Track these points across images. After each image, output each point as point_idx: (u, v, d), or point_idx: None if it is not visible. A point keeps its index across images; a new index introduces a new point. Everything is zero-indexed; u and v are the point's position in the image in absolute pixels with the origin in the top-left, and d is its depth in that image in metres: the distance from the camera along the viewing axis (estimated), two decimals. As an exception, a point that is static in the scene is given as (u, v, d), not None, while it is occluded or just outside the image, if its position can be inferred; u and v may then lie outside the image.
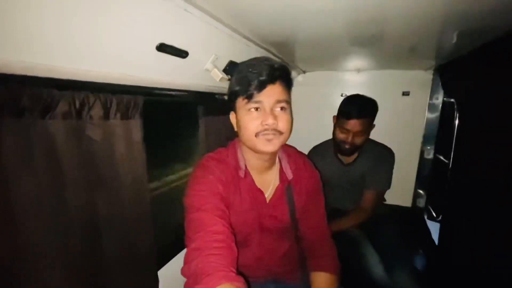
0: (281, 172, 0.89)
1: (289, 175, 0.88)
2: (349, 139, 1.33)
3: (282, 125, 0.73)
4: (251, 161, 0.84)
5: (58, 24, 0.53)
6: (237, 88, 0.74)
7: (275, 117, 0.71)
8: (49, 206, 0.64)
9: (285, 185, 0.88)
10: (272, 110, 0.72)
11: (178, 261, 1.16)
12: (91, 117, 0.71)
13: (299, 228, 0.94)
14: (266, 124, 0.71)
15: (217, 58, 0.99)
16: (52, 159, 0.64)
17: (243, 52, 1.08)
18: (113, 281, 0.80)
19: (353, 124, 1.29)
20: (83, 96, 0.68)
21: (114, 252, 0.81)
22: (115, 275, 0.81)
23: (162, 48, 0.75)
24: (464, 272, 1.20)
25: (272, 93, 0.71)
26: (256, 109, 0.72)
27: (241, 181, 0.83)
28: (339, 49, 1.27)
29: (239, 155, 0.84)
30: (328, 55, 1.47)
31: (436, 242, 1.56)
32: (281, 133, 0.74)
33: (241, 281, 0.58)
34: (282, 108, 0.73)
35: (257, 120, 0.72)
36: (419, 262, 1.52)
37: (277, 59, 1.42)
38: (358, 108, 1.28)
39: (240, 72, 0.75)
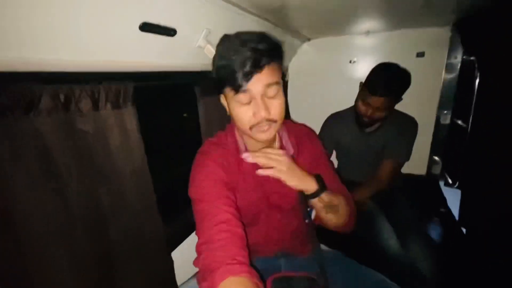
0: (282, 148, 0.87)
1: (290, 150, 0.86)
2: (369, 113, 1.25)
3: (275, 113, 0.70)
4: (250, 142, 0.83)
5: (32, 14, 0.48)
6: (222, 76, 0.68)
7: (266, 107, 0.68)
8: (47, 202, 0.63)
9: None
10: (262, 96, 0.67)
11: (191, 241, 1.18)
12: (79, 110, 0.67)
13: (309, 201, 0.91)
14: (259, 117, 0.68)
15: (209, 33, 0.91)
16: (44, 157, 0.62)
17: (239, 24, 0.99)
18: (125, 269, 0.82)
19: (376, 100, 1.20)
20: (67, 89, 0.64)
21: (123, 241, 0.82)
22: (127, 262, 0.83)
23: (146, 27, 0.69)
24: (484, 241, 1.17)
25: (260, 81, 0.66)
26: (247, 100, 0.68)
27: (243, 162, 0.80)
28: (345, 9, 1.14)
29: (238, 137, 0.83)
30: (334, 18, 1.34)
31: (452, 210, 1.52)
32: (275, 121, 0.71)
33: (245, 271, 0.58)
34: (272, 94, 0.69)
35: (249, 113, 0.69)
36: (435, 232, 1.49)
37: (276, 29, 1.33)
38: (385, 85, 1.17)
39: (222, 57, 0.68)
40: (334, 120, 1.53)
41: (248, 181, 0.83)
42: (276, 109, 0.70)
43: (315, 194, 0.74)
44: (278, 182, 0.85)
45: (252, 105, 0.68)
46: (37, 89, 0.59)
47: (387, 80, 1.18)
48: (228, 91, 0.69)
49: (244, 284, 0.56)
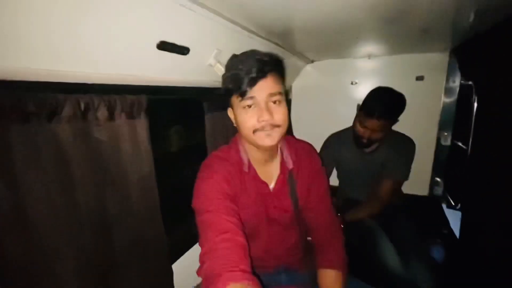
0: (282, 162, 0.90)
1: (290, 165, 0.88)
2: (366, 134, 1.29)
3: (278, 118, 0.74)
4: (253, 154, 0.85)
5: (59, 30, 0.54)
6: (229, 86, 0.74)
7: (270, 112, 0.72)
8: (61, 207, 0.66)
9: (286, 175, 0.88)
10: (266, 104, 0.72)
11: (192, 253, 1.18)
12: (96, 119, 0.72)
13: (305, 216, 0.94)
14: (263, 121, 0.72)
15: (220, 52, 0.97)
16: (60, 162, 0.66)
17: (246, 45, 1.05)
18: (127, 276, 0.83)
19: (372, 123, 1.24)
20: (87, 99, 0.69)
21: (126, 248, 0.83)
22: (129, 271, 0.84)
23: (163, 46, 0.75)
24: (485, 264, 1.15)
25: (264, 88, 0.71)
26: (250, 106, 0.73)
27: (245, 175, 0.85)
28: (348, 34, 1.21)
29: (241, 150, 0.86)
30: (336, 42, 1.41)
31: (454, 231, 1.51)
32: (278, 126, 0.74)
33: (247, 278, 0.60)
34: (276, 101, 0.74)
35: (253, 117, 0.73)
36: (436, 253, 1.47)
37: (282, 51, 1.40)
38: (381, 109, 1.22)
39: (230, 69, 0.75)
40: (334, 139, 1.57)
41: (249, 194, 0.85)
42: (279, 114, 0.74)
43: None
44: (277, 196, 0.88)
45: (256, 111, 0.73)
46: (61, 98, 0.64)
47: (383, 104, 1.23)
48: (235, 99, 0.74)
49: None
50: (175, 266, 1.05)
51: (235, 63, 0.74)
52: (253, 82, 0.70)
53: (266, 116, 0.71)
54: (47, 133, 0.62)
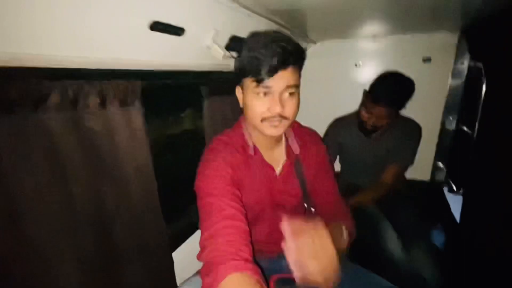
0: (288, 148, 0.89)
1: (296, 150, 0.88)
2: (372, 121, 1.25)
3: (288, 111, 0.72)
4: (258, 138, 0.84)
5: (43, 10, 0.48)
6: (246, 67, 0.71)
7: (282, 104, 0.70)
8: (54, 200, 0.63)
9: (292, 160, 0.88)
10: (280, 94, 0.70)
11: (192, 241, 1.17)
12: (87, 107, 0.67)
13: (312, 201, 0.93)
14: (273, 111, 0.70)
15: (217, 33, 0.91)
16: (50, 154, 0.62)
17: (246, 25, 0.99)
18: (127, 267, 0.82)
19: (379, 109, 1.21)
20: (76, 85, 0.64)
21: (126, 239, 0.81)
22: (129, 262, 0.83)
23: (155, 26, 0.69)
24: (485, 250, 1.16)
25: (282, 79, 0.69)
26: (265, 93, 0.70)
27: (251, 159, 0.84)
28: (353, 12, 1.13)
29: (246, 134, 0.84)
30: (341, 22, 1.34)
31: (456, 216, 1.51)
32: (286, 118, 0.73)
33: (249, 268, 0.59)
34: (290, 94, 0.72)
35: (264, 106, 0.71)
36: (437, 238, 1.48)
37: (285, 31, 1.33)
38: (388, 95, 1.18)
39: (250, 49, 0.71)
40: (338, 124, 1.53)
41: (254, 179, 0.84)
42: (290, 107, 0.72)
43: None
44: (283, 181, 0.88)
45: (269, 99, 0.71)
46: (46, 85, 0.59)
47: (391, 91, 1.18)
48: (249, 81, 0.71)
49: (246, 280, 0.56)
50: (175, 254, 1.05)
51: (256, 43, 0.70)
52: (273, 71, 0.67)
53: (278, 108, 0.70)
54: (34, 123, 0.58)
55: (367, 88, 1.31)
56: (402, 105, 1.22)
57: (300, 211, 0.94)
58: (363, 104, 1.32)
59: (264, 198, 0.86)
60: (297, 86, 0.73)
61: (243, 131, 0.86)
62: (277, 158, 0.89)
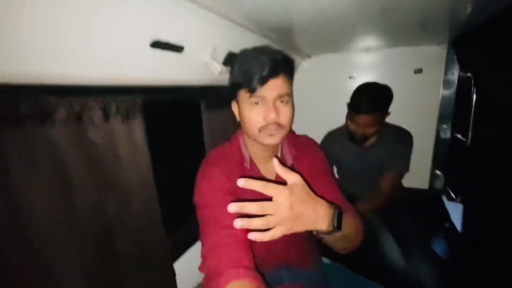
0: (283, 159, 0.90)
1: (289, 161, 0.89)
2: (360, 131, 1.29)
3: (284, 118, 0.75)
4: (255, 151, 0.86)
5: (50, 30, 0.52)
6: (239, 80, 0.74)
7: (277, 111, 0.73)
8: (59, 210, 0.65)
9: None
10: (274, 103, 0.73)
11: (193, 252, 1.17)
12: (91, 121, 0.71)
13: None
14: (269, 119, 0.72)
15: (215, 50, 0.96)
16: (56, 165, 0.65)
17: (242, 42, 1.04)
18: (129, 278, 0.83)
19: (362, 118, 1.24)
20: (81, 101, 0.68)
21: (127, 250, 0.82)
22: (131, 272, 0.83)
23: (156, 44, 0.74)
24: (488, 256, 1.15)
25: (274, 87, 0.72)
26: (258, 103, 0.73)
27: (247, 172, 0.85)
28: (345, 28, 1.19)
29: (243, 147, 0.86)
30: (333, 36, 1.39)
31: (455, 224, 1.51)
32: (282, 126, 0.75)
33: (250, 275, 0.60)
34: (283, 101, 0.75)
35: (259, 115, 0.74)
36: (438, 246, 1.47)
37: (278, 47, 1.38)
38: (368, 102, 1.22)
39: (242, 63, 0.75)
40: (331, 137, 1.57)
41: (251, 191, 0.84)
42: (285, 115, 0.75)
43: (327, 233, 0.64)
44: None
45: (263, 108, 0.73)
46: (54, 100, 0.62)
47: (369, 98, 1.23)
48: (243, 94, 0.74)
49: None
50: (176, 265, 1.05)
51: (247, 57, 0.75)
52: (264, 80, 0.70)
53: (272, 115, 0.72)
54: (41, 136, 0.61)
55: (349, 102, 1.35)
56: (382, 109, 1.26)
57: None
58: (348, 116, 1.36)
59: None
60: (289, 94, 0.76)
61: (239, 144, 0.87)
62: (273, 170, 0.86)
